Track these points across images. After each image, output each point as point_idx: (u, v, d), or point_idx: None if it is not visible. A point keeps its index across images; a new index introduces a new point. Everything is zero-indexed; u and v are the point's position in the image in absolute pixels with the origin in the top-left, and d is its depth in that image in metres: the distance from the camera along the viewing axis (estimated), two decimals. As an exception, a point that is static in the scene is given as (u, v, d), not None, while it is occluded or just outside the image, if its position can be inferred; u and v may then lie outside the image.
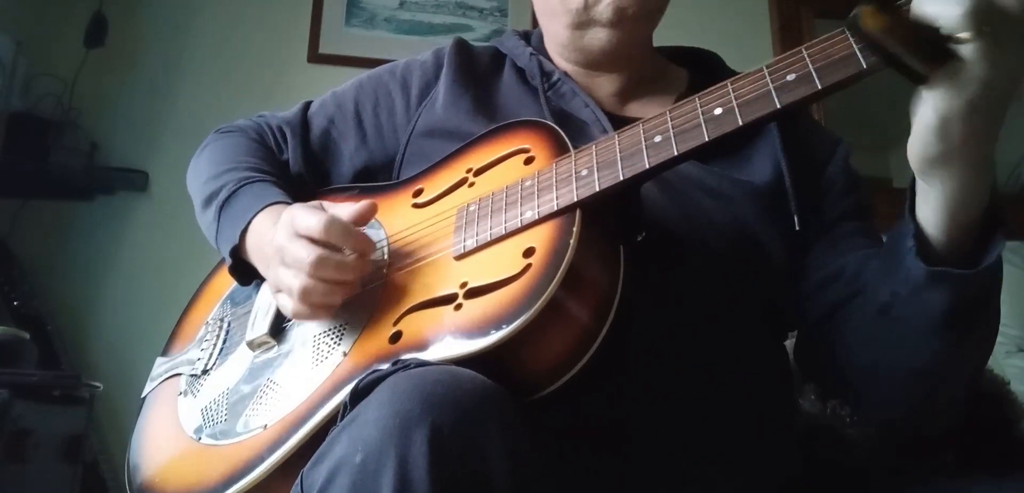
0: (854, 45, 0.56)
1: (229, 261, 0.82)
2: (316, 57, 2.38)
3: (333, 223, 0.68)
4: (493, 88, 0.91)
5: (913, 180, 0.60)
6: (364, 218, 0.73)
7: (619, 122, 0.77)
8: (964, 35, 0.49)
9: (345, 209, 0.72)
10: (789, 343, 0.90)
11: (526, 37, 0.97)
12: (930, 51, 0.51)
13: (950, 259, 0.59)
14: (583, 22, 0.86)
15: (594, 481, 0.66)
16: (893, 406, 0.72)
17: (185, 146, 0.99)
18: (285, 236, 0.70)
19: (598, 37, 0.86)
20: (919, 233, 0.60)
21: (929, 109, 0.53)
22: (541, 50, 0.94)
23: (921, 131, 0.55)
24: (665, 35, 0.95)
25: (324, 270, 0.68)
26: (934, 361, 0.64)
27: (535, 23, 0.97)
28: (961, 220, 0.58)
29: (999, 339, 0.75)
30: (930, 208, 0.59)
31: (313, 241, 0.68)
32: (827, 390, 0.92)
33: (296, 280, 0.68)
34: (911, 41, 0.51)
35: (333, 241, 0.68)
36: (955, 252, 0.59)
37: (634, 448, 0.68)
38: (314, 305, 0.69)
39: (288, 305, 0.71)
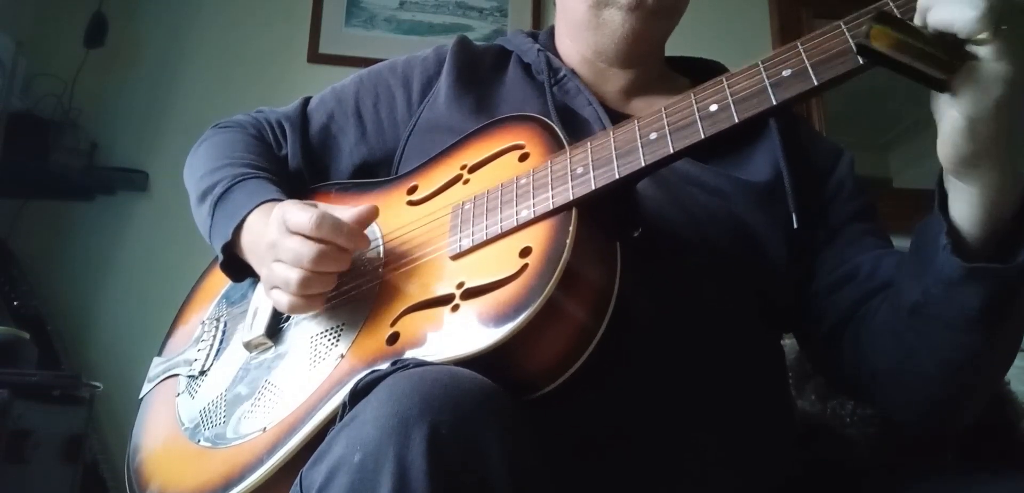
0: (850, 40, 0.56)
1: (221, 257, 0.82)
2: (316, 57, 2.38)
3: (324, 218, 0.69)
4: (496, 85, 0.91)
5: (940, 179, 0.60)
6: (364, 221, 0.73)
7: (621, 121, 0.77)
8: (982, 36, 0.50)
9: (346, 212, 0.72)
10: (787, 342, 0.90)
11: (533, 35, 0.97)
12: (948, 57, 0.51)
13: (984, 255, 0.59)
14: (602, 0, 0.85)
15: (592, 480, 0.66)
16: (919, 404, 0.71)
17: (185, 146, 0.99)
18: (278, 232, 0.70)
19: (614, 18, 0.85)
20: (952, 230, 0.60)
21: (955, 113, 0.53)
22: (548, 47, 0.94)
23: (950, 134, 0.54)
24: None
25: (319, 264, 0.69)
26: (967, 356, 0.64)
27: (536, 23, 0.97)
28: (995, 215, 0.58)
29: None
30: (965, 205, 0.58)
31: (306, 237, 0.69)
32: (847, 391, 0.92)
33: (293, 274, 0.69)
34: (926, 52, 0.51)
35: (324, 236, 0.69)
36: (990, 248, 0.59)
37: (632, 446, 0.68)
38: (309, 297, 0.70)
39: (283, 299, 0.71)
